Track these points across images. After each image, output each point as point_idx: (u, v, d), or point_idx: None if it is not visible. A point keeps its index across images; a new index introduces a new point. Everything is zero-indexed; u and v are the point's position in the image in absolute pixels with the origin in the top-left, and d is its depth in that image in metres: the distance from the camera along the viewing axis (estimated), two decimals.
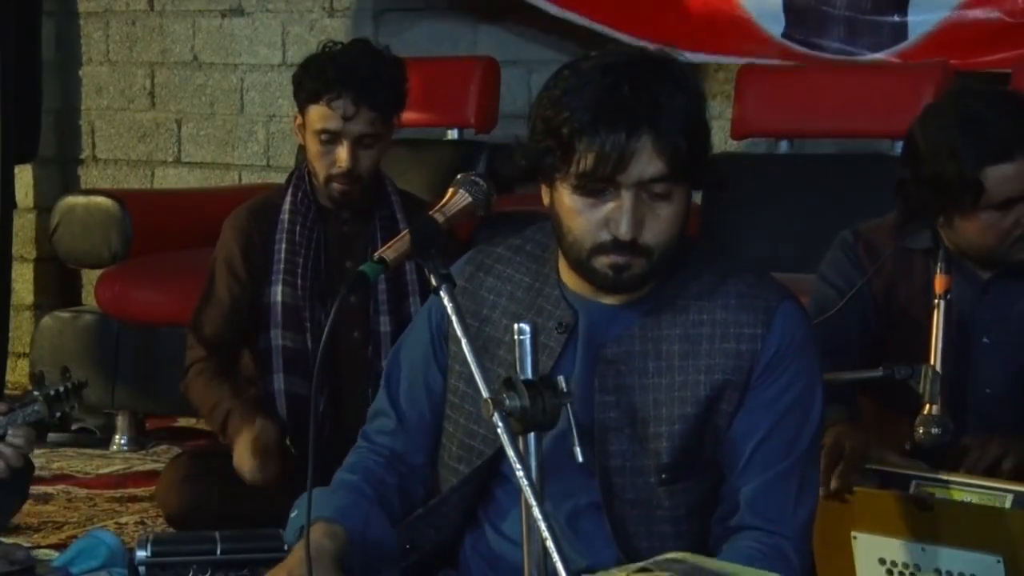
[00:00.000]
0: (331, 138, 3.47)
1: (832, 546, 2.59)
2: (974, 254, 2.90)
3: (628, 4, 4.92)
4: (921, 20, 4.56)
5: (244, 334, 3.58)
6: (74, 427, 4.90)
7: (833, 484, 2.58)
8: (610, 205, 2.09)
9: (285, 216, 3.57)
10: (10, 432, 2.91)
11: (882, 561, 2.56)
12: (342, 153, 3.47)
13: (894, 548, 2.55)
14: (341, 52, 3.53)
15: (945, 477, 2.61)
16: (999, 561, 2.43)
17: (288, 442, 3.49)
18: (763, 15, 4.79)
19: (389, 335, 3.51)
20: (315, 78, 3.48)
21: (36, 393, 2.94)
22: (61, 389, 2.95)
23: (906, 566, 2.54)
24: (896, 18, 4.59)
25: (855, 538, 2.58)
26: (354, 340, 3.54)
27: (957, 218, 2.84)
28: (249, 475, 3.37)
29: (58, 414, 2.95)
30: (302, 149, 3.69)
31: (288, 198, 3.59)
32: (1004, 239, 2.85)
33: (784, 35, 4.79)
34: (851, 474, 2.60)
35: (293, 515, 2.24)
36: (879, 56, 4.63)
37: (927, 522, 2.50)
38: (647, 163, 2.07)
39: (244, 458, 3.38)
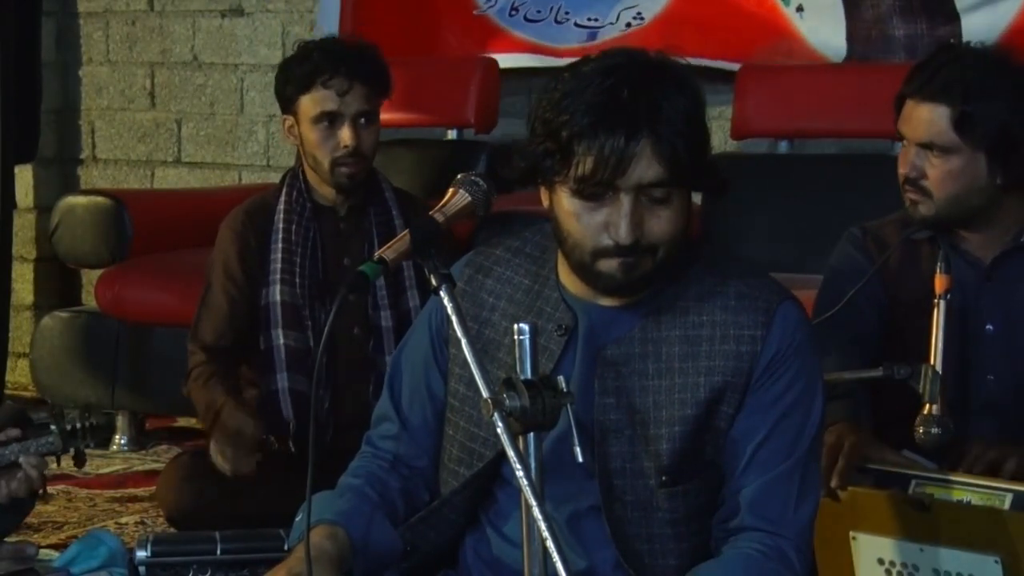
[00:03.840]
0: (330, 121, 3.49)
1: (832, 546, 2.59)
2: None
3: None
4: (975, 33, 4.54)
5: (244, 337, 3.58)
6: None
7: (834, 482, 2.58)
8: (609, 209, 2.08)
9: (280, 216, 3.57)
10: (23, 459, 2.91)
11: (880, 561, 2.57)
12: (345, 133, 3.49)
13: (892, 548, 2.55)
14: (319, 43, 3.59)
15: (945, 476, 2.61)
16: (997, 561, 2.43)
17: (290, 443, 3.50)
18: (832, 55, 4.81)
19: (391, 329, 3.52)
20: (303, 65, 3.52)
21: (53, 427, 2.93)
22: (79, 426, 2.94)
23: (904, 566, 2.54)
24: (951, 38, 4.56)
25: (854, 538, 2.59)
26: (355, 336, 3.54)
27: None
28: (222, 467, 3.40)
29: (72, 449, 2.94)
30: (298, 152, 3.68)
31: (282, 198, 3.60)
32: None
33: None
34: (849, 472, 2.61)
35: (298, 519, 2.23)
36: None
37: (925, 522, 2.50)
38: (646, 167, 2.06)
39: (217, 451, 3.41)
